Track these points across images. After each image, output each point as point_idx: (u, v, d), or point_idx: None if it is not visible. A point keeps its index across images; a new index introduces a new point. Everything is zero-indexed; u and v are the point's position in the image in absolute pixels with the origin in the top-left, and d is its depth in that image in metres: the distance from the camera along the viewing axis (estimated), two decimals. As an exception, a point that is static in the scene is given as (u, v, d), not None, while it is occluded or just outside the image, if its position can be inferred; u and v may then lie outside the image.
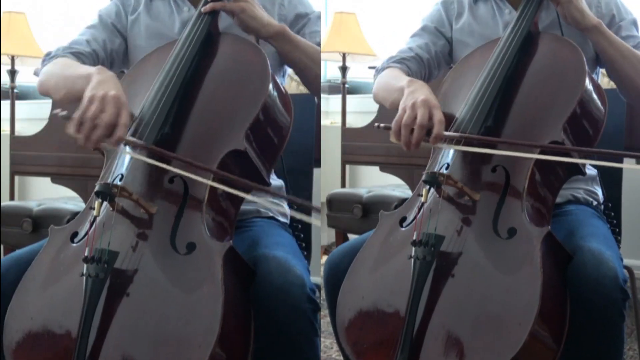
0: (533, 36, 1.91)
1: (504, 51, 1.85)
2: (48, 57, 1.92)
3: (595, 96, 1.82)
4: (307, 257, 2.03)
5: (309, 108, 2.16)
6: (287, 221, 1.98)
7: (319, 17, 2.04)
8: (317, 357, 1.66)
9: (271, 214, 1.93)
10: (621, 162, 2.23)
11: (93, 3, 3.72)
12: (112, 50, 1.98)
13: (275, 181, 1.95)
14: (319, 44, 1.98)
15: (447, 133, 1.72)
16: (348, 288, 1.72)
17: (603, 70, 2.03)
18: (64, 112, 1.58)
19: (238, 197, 1.69)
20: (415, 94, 1.74)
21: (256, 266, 1.64)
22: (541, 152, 1.70)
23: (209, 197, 1.63)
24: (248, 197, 1.65)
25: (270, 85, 1.73)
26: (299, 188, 2.10)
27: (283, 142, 1.77)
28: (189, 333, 1.49)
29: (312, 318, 1.63)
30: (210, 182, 1.61)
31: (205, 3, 1.86)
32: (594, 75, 1.93)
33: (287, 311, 1.60)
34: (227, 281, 1.52)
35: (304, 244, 1.97)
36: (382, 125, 1.72)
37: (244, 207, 1.77)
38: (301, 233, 2.00)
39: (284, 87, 1.82)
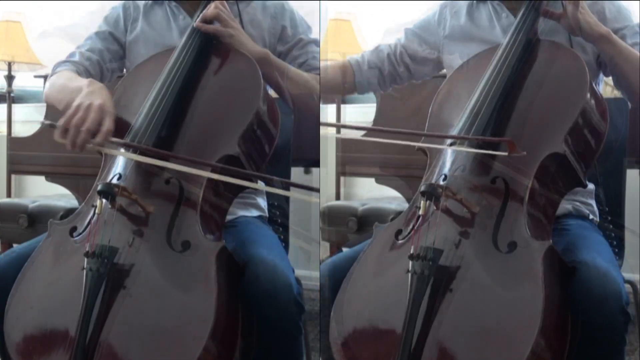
0: (532, 44, 1.87)
1: (503, 60, 1.82)
2: (55, 68, 2.04)
3: (597, 106, 1.78)
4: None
5: (288, 111, 2.19)
6: (265, 214, 2.06)
7: (312, 42, 2.10)
8: (301, 353, 1.74)
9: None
10: (623, 174, 2.20)
11: (87, 12, 3.72)
12: (112, 58, 2.09)
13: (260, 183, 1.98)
14: (316, 70, 2.04)
15: (115, 140, 1.73)
16: (343, 303, 1.69)
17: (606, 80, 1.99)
18: (49, 122, 1.73)
19: (229, 195, 1.79)
20: (92, 96, 1.75)
21: (245, 267, 1.69)
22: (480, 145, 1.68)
23: (203, 197, 1.71)
24: (246, 184, 1.72)
25: (262, 93, 1.80)
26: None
27: (272, 147, 1.84)
28: (183, 326, 1.56)
29: (298, 319, 1.70)
30: (209, 174, 1.69)
31: (203, 9, 1.94)
32: (594, 85, 1.87)
33: (274, 315, 1.66)
34: (219, 278, 1.60)
35: (283, 244, 2.05)
36: (47, 122, 1.71)
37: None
38: (281, 235, 2.09)
39: (270, 95, 1.91)
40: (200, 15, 1.93)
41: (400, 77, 2.16)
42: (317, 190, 1.69)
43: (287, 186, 1.87)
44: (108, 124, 1.71)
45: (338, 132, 1.99)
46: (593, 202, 2.01)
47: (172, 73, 1.83)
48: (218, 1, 1.93)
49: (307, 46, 2.07)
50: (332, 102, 4.35)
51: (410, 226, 1.73)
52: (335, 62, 2.18)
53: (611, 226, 2.07)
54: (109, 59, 2.08)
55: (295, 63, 2.04)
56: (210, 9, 1.91)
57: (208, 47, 1.92)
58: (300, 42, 2.07)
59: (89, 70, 2.04)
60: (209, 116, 1.82)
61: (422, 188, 1.68)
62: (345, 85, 2.13)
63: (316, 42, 2.09)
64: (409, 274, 1.59)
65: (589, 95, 1.74)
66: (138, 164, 1.75)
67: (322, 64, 2.08)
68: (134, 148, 1.74)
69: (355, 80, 2.13)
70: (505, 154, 1.66)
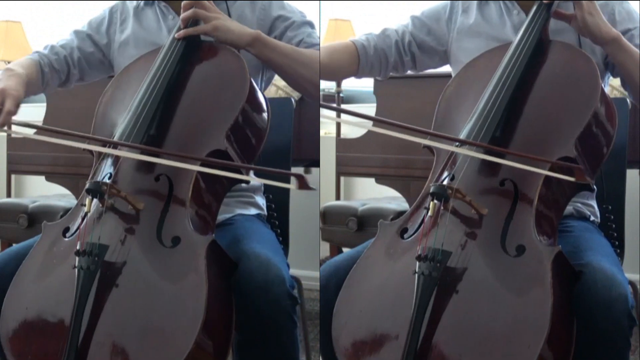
0: (544, 44, 1.85)
1: (514, 60, 1.80)
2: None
3: (606, 110, 1.76)
4: (285, 251, 2.14)
5: (287, 111, 2.28)
6: (263, 212, 2.07)
7: (307, 23, 2.06)
8: (296, 346, 1.75)
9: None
10: (624, 175, 2.19)
11: (85, 12, 3.73)
12: (81, 57, 2.11)
13: (254, 181, 1.98)
14: (314, 47, 2.00)
15: (16, 122, 1.77)
16: (345, 301, 1.68)
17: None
18: None
19: (220, 192, 1.81)
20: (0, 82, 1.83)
21: (238, 262, 1.71)
22: (551, 169, 1.65)
23: (192, 193, 1.72)
24: (234, 175, 1.75)
25: (248, 89, 1.81)
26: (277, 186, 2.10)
27: (261, 142, 1.85)
28: (175, 321, 1.58)
29: (292, 312, 1.71)
30: (198, 168, 1.71)
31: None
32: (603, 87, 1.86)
33: (268, 308, 1.68)
34: (210, 272, 1.61)
35: (280, 238, 2.06)
36: None
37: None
38: (278, 229, 2.12)
39: (260, 90, 1.90)
40: (180, 21, 1.92)
41: (403, 66, 2.10)
42: (297, 176, 1.65)
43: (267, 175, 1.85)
44: (8, 106, 1.77)
45: (338, 116, 1.95)
46: (594, 203, 1.99)
47: (159, 72, 1.85)
48: (192, 0, 1.91)
49: (301, 27, 2.03)
50: (331, 102, 4.34)
51: (417, 226, 1.71)
52: (338, 43, 2.09)
53: (611, 226, 2.06)
54: (77, 57, 2.10)
55: (292, 44, 2.00)
56: (187, 12, 1.89)
57: (194, 44, 1.92)
58: (293, 23, 2.03)
59: (53, 64, 2.06)
60: (197, 113, 1.84)
61: (432, 189, 1.66)
62: (349, 68, 2.07)
63: (311, 24, 2.06)
64: (416, 275, 1.58)
65: (600, 99, 1.72)
66: (128, 162, 1.78)
67: (323, 43, 2.04)
68: (119, 145, 1.78)
69: (360, 64, 2.06)
70: (572, 179, 1.65)
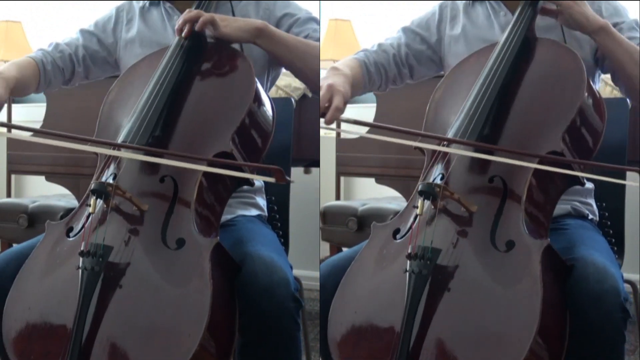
0: (530, 42, 1.87)
1: (500, 58, 1.81)
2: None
3: (594, 105, 1.78)
4: (285, 251, 2.11)
5: (287, 111, 2.28)
6: (264, 213, 2.06)
7: (312, 19, 2.07)
8: (299, 348, 1.74)
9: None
10: (623, 176, 2.18)
11: (86, 12, 3.74)
12: (86, 55, 2.12)
13: (257, 182, 2.00)
14: (316, 40, 2.01)
15: (17, 126, 1.77)
16: (340, 302, 1.69)
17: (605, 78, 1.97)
18: None
19: (224, 194, 1.80)
20: (326, 80, 1.84)
21: (242, 264, 1.71)
22: (540, 163, 1.67)
23: (197, 195, 1.72)
24: (239, 174, 1.75)
25: (255, 91, 1.81)
26: (278, 187, 2.10)
27: (266, 143, 1.85)
28: (179, 323, 1.58)
29: (296, 315, 1.71)
30: (204, 168, 1.71)
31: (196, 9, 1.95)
32: (592, 82, 1.87)
33: (272, 311, 1.67)
34: (214, 275, 1.61)
35: (281, 239, 2.06)
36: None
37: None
38: (279, 229, 2.12)
39: (265, 92, 1.91)
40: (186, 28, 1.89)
41: (401, 79, 2.11)
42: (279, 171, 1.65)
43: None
44: None
45: (338, 125, 1.97)
46: (592, 202, 2.00)
47: (165, 73, 1.85)
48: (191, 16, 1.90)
49: (307, 22, 2.04)
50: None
51: (408, 225, 1.72)
52: (347, 61, 2.05)
53: (611, 226, 2.06)
54: (82, 55, 2.11)
55: None
56: (197, 24, 1.87)
57: (200, 45, 1.93)
58: (299, 20, 2.04)
59: (57, 62, 2.07)
60: (203, 114, 1.84)
61: (420, 187, 1.68)
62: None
63: (316, 20, 2.07)
64: (407, 274, 1.59)
65: (586, 93, 1.74)
66: (133, 163, 1.78)
67: (323, 43, 2.03)
68: (125, 147, 1.78)
69: (363, 81, 2.05)
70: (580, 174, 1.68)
